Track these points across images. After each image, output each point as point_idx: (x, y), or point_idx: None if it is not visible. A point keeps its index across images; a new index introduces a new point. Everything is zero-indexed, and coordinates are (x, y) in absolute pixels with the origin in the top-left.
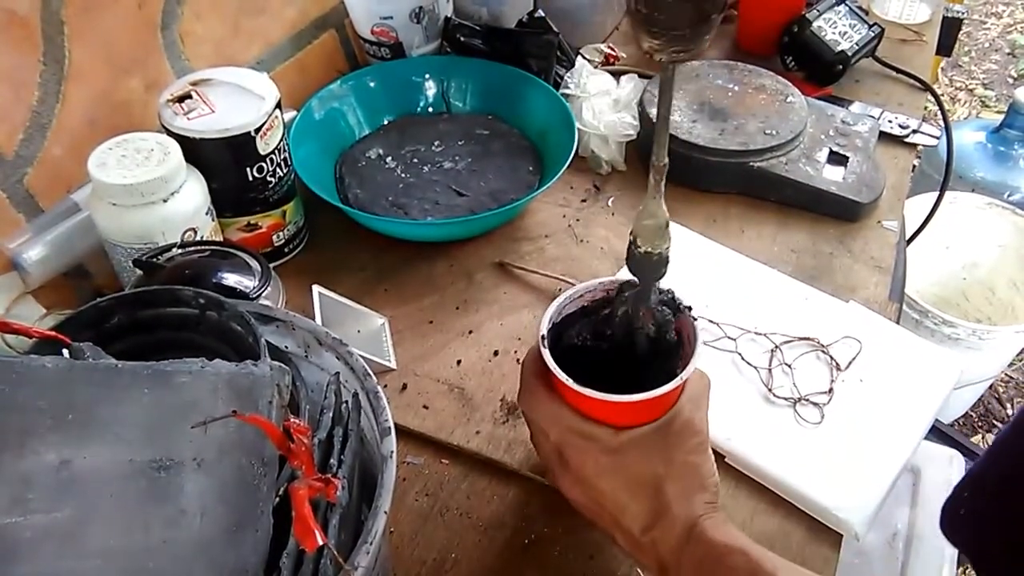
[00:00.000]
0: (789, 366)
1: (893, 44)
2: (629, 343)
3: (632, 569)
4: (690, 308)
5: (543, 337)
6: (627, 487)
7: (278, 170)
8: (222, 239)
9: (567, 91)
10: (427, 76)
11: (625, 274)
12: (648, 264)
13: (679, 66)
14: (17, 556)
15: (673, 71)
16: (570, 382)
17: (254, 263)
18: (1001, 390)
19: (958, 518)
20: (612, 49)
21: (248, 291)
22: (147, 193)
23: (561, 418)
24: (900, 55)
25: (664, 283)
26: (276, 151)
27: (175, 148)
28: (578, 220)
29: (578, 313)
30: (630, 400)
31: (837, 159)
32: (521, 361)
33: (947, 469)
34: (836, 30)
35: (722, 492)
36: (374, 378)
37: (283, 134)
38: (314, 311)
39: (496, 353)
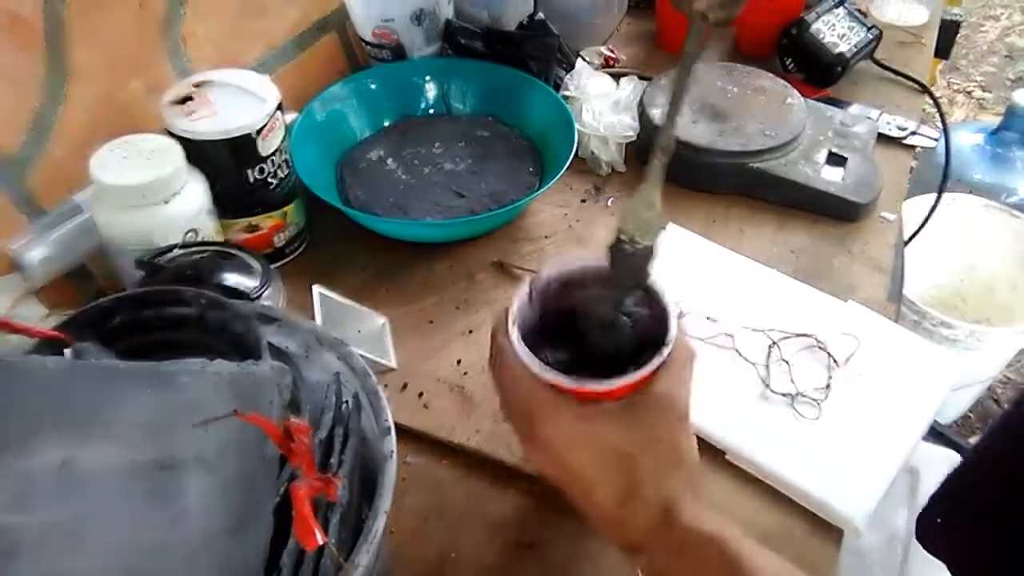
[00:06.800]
0: (787, 362)
1: (891, 46)
2: (607, 340)
3: (633, 570)
4: (663, 295)
5: (513, 315)
6: (597, 461)
7: (279, 171)
8: (223, 240)
9: (567, 93)
10: (428, 78)
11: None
12: (646, 260)
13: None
14: (19, 554)
15: (705, 40)
16: (538, 368)
17: (255, 264)
18: (999, 391)
19: (934, 526)
20: (612, 51)
21: (249, 291)
22: (149, 194)
23: (530, 382)
24: (898, 57)
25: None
26: (277, 152)
27: (176, 149)
28: (578, 221)
29: (557, 288)
30: (597, 389)
31: (836, 160)
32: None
33: (945, 470)
34: (835, 32)
35: (721, 489)
36: (374, 378)
37: (284, 136)
38: (315, 311)
39: None
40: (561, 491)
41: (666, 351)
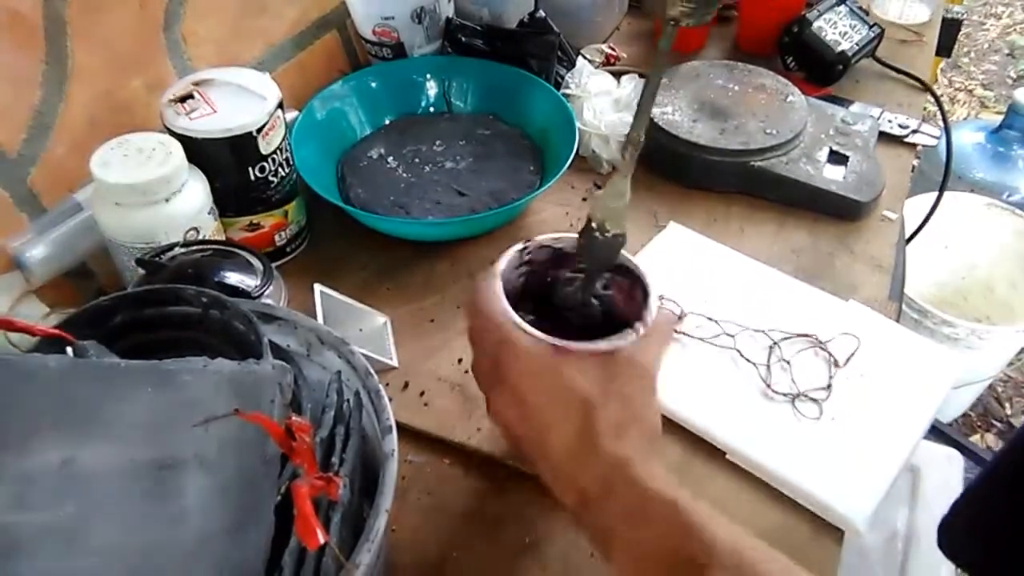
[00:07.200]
0: (787, 362)
1: (893, 44)
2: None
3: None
4: (638, 274)
5: (500, 266)
6: (557, 403)
7: (280, 170)
8: (224, 238)
9: (568, 91)
10: (428, 76)
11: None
12: (615, 247)
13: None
14: (18, 554)
15: (672, 39)
16: (516, 318)
17: (256, 262)
18: (1000, 389)
19: (958, 535)
20: (613, 49)
21: (250, 290)
22: (149, 193)
23: (502, 324)
24: (900, 55)
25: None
26: (278, 151)
27: (177, 148)
28: (579, 220)
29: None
30: (567, 347)
31: (837, 158)
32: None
33: (946, 469)
34: (836, 30)
35: (721, 489)
36: (375, 376)
37: (285, 134)
38: (316, 310)
39: None
40: (518, 447)
41: (641, 328)
